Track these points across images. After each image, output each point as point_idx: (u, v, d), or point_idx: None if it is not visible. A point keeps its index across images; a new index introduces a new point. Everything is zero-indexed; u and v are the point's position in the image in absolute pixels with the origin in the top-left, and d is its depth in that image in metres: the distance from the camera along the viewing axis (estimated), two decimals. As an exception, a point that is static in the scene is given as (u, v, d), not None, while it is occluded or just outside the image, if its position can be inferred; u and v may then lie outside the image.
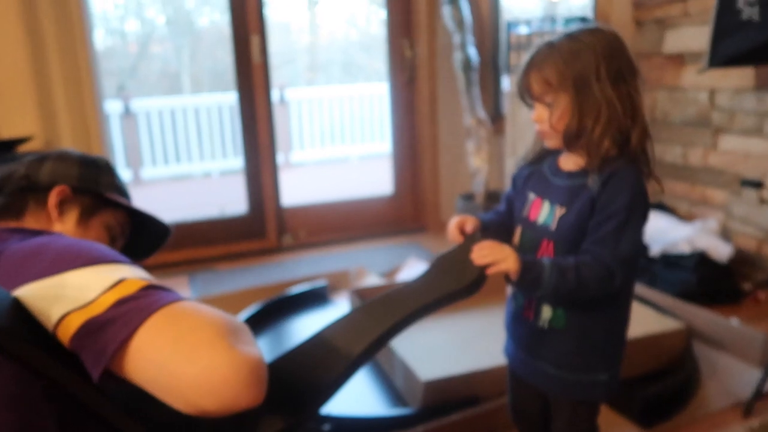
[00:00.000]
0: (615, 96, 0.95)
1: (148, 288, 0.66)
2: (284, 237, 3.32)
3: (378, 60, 6.73)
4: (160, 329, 0.62)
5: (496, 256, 0.95)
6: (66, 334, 0.63)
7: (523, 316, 1.10)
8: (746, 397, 1.67)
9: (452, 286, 0.98)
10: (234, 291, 2.45)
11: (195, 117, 5.42)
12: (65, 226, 0.91)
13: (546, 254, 1.04)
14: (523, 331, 1.12)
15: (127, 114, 5.19)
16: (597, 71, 0.95)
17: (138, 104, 5.28)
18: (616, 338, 1.09)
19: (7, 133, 2.51)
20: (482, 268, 0.96)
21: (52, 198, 0.90)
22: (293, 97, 5.89)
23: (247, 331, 0.70)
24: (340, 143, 6.17)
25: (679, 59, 2.73)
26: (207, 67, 6.16)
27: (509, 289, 1.16)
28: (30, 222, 0.90)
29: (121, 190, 1.00)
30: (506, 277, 0.99)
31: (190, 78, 6.09)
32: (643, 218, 0.99)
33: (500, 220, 1.16)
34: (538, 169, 1.12)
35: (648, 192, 1.00)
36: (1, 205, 0.91)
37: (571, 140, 0.99)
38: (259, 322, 2.17)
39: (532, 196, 1.09)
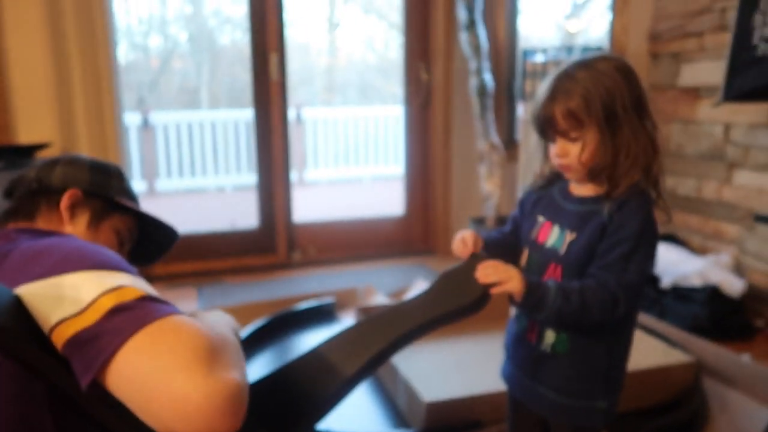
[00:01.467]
0: (641, 128, 0.96)
1: (145, 299, 0.66)
2: (294, 253, 3.33)
3: (394, 83, 6.80)
4: (142, 347, 0.61)
5: (501, 276, 0.95)
6: (59, 341, 0.63)
7: (526, 338, 1.09)
8: (755, 435, 1.63)
9: (455, 304, 0.98)
10: (241, 304, 2.45)
11: (212, 132, 5.49)
12: (76, 229, 0.93)
13: (553, 278, 1.04)
14: (524, 354, 1.11)
15: (146, 126, 5.27)
16: (622, 100, 0.94)
17: (156, 117, 5.36)
18: (617, 366, 1.07)
19: (26, 139, 2.55)
20: (486, 287, 0.96)
21: (64, 201, 0.92)
22: (310, 116, 5.96)
23: (232, 351, 0.68)
24: (354, 164, 6.21)
25: (695, 93, 2.74)
26: (225, 84, 6.26)
27: (512, 311, 1.15)
28: (41, 224, 0.91)
29: (130, 195, 1.02)
30: (510, 298, 0.98)
31: (209, 94, 6.18)
32: (651, 247, 0.99)
33: (502, 240, 1.16)
34: (547, 194, 1.12)
35: (657, 222, 1.00)
36: (13, 207, 0.93)
37: (598, 174, 0.99)
38: (265, 337, 2.17)
39: (541, 219, 1.09)
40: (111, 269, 0.70)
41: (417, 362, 1.73)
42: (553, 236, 1.06)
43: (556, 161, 1.02)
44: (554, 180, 1.12)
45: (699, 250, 2.74)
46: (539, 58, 2.98)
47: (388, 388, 1.82)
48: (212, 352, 0.62)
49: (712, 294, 2.30)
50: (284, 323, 2.27)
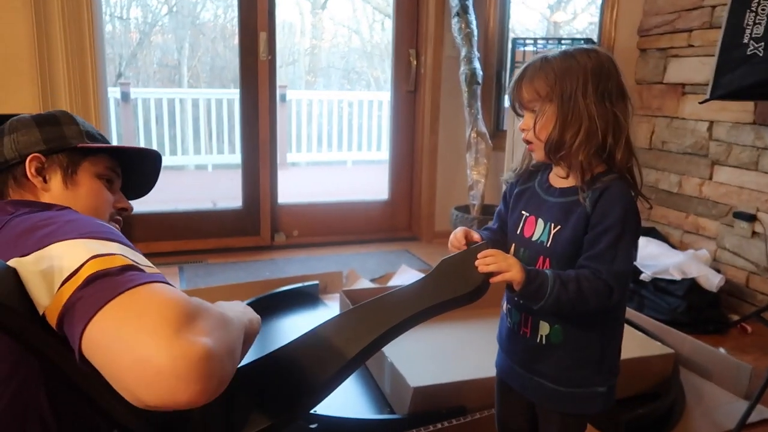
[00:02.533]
0: (598, 113, 0.98)
1: (130, 268, 0.63)
2: (277, 235, 3.31)
3: (377, 69, 6.75)
4: (114, 313, 0.58)
5: (501, 265, 0.96)
6: (52, 318, 0.62)
7: (520, 332, 1.10)
8: (729, 426, 1.68)
9: (455, 292, 0.97)
10: (224, 285, 2.43)
11: (192, 110, 5.40)
12: (53, 193, 0.88)
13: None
14: (518, 348, 1.12)
15: (125, 101, 5.15)
16: (584, 88, 0.98)
17: (135, 92, 5.25)
18: (612, 352, 1.09)
19: (6, 110, 2.48)
20: (486, 276, 0.97)
21: (29, 170, 0.87)
22: (292, 97, 5.89)
23: (207, 318, 0.62)
24: (336, 148, 6.17)
25: (680, 89, 2.77)
26: (206, 62, 6.14)
27: (504, 306, 1.16)
28: (15, 197, 0.88)
29: (90, 134, 0.96)
30: (509, 287, 0.99)
31: (189, 72, 6.06)
32: (635, 232, 1.01)
33: (494, 237, 1.16)
34: (529, 187, 1.13)
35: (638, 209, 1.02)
36: None
37: (552, 151, 1.01)
38: (248, 318, 2.16)
39: (525, 213, 1.10)
40: (101, 238, 0.68)
41: (403, 348, 1.74)
42: (539, 230, 1.07)
43: (522, 137, 1.07)
44: (534, 173, 1.13)
45: (678, 246, 2.79)
46: (529, 48, 2.98)
47: (373, 373, 1.83)
48: (183, 317, 0.58)
49: (691, 287, 2.35)
50: (268, 304, 2.26)
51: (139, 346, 0.55)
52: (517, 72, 1.05)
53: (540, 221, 1.06)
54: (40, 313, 0.62)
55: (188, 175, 5.62)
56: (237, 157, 3.27)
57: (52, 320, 0.61)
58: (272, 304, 2.29)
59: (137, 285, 0.60)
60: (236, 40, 3.09)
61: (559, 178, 1.07)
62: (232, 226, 3.24)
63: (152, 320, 0.56)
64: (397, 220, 3.61)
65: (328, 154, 6.19)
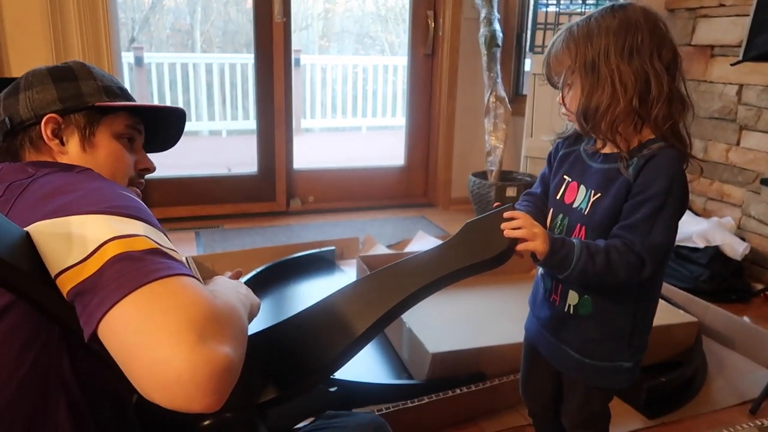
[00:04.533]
0: (622, 73, 0.92)
1: (154, 252, 0.60)
2: (292, 201, 3.29)
3: (392, 33, 6.61)
4: (137, 304, 0.55)
5: (526, 233, 0.92)
6: (63, 288, 0.59)
7: (550, 299, 1.07)
8: (752, 395, 1.66)
9: (478, 257, 0.94)
10: (241, 250, 2.43)
11: (206, 74, 5.35)
12: (71, 156, 0.84)
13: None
14: (548, 314, 1.09)
15: (139, 66, 5.11)
16: (606, 51, 0.93)
17: (149, 56, 5.20)
18: (642, 327, 1.05)
19: (20, 74, 2.46)
20: (512, 242, 0.93)
21: (45, 132, 0.83)
22: (306, 62, 5.80)
23: (235, 324, 0.61)
24: (350, 113, 6.10)
25: (709, 51, 2.67)
26: (218, 26, 6.05)
27: (539, 269, 1.13)
28: (32, 159, 0.84)
29: (109, 90, 0.89)
30: (533, 256, 0.95)
31: (202, 36, 5.98)
32: (680, 206, 0.94)
33: (537, 204, 1.12)
34: (574, 151, 1.07)
35: (687, 178, 0.96)
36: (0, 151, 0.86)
37: (583, 122, 0.97)
38: (266, 282, 2.16)
39: (567, 179, 1.06)
40: (125, 215, 0.65)
41: (421, 314, 1.73)
42: (579, 197, 1.02)
43: (561, 110, 1.03)
44: (581, 137, 1.08)
45: (702, 213, 2.73)
46: (551, 8, 2.88)
47: (392, 339, 1.82)
48: (209, 321, 0.56)
49: (714, 255, 2.30)
50: (285, 269, 2.26)
51: (161, 347, 0.53)
52: (548, 46, 1.03)
53: (582, 188, 1.02)
54: (53, 281, 0.60)
55: (202, 141, 5.59)
56: (251, 123, 3.24)
57: (64, 290, 0.59)
58: (289, 269, 2.28)
59: (166, 276, 0.58)
60: (249, 3, 3.02)
61: (602, 144, 1.02)
62: (247, 192, 3.22)
63: (177, 320, 0.54)
64: (414, 187, 3.58)
65: (342, 120, 6.12)
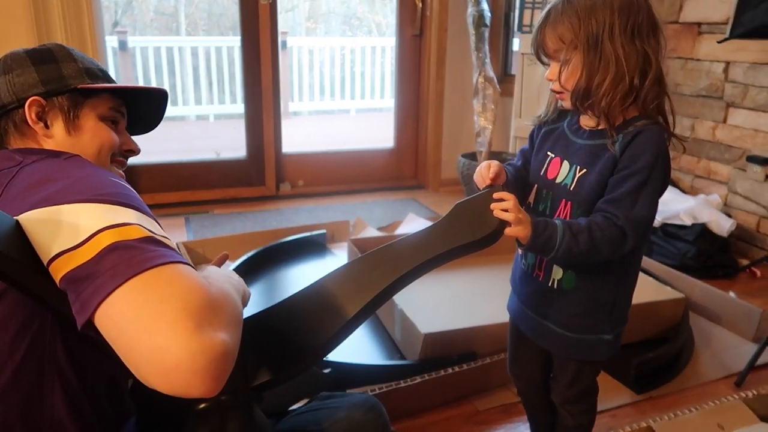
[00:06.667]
0: (626, 53, 0.92)
1: (148, 240, 0.60)
2: (282, 185, 3.28)
3: (378, 14, 6.55)
4: (134, 292, 0.56)
5: (513, 218, 0.92)
6: (56, 274, 0.59)
7: (533, 274, 1.09)
8: (737, 369, 1.69)
9: (467, 237, 0.95)
10: (232, 234, 2.42)
11: (192, 58, 5.28)
12: (57, 140, 0.83)
13: (563, 214, 1.02)
14: (531, 290, 1.10)
15: (122, 49, 5.04)
16: (611, 29, 0.92)
17: (134, 40, 5.13)
18: (623, 300, 1.07)
19: (1, 58, 2.42)
20: (501, 222, 0.94)
21: (29, 116, 0.82)
22: (292, 44, 5.75)
23: (230, 311, 0.62)
24: (338, 96, 6.07)
25: (696, 28, 2.67)
26: (203, 8, 5.97)
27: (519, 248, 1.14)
28: (17, 144, 0.83)
29: (91, 72, 0.88)
30: (517, 240, 0.96)
31: (187, 19, 5.90)
32: (663, 181, 0.96)
33: (517, 175, 1.13)
34: (557, 128, 1.08)
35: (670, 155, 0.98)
36: None
37: (580, 100, 0.96)
38: (257, 267, 2.16)
39: (551, 155, 1.06)
40: (117, 204, 0.65)
41: (412, 295, 1.74)
42: (563, 172, 1.03)
43: (550, 86, 1.02)
44: (564, 113, 1.08)
45: (689, 191, 2.76)
46: (539, -12, 2.87)
47: (384, 320, 1.84)
48: (206, 308, 0.57)
49: (701, 232, 2.33)
50: (276, 253, 2.26)
51: (159, 335, 0.54)
52: (540, 16, 0.99)
53: (565, 163, 1.03)
54: (45, 269, 0.60)
55: (190, 126, 5.55)
56: (238, 107, 3.22)
57: (57, 276, 0.59)
58: (280, 253, 2.29)
59: (161, 264, 0.58)
60: (234, -16, 2.98)
61: (589, 119, 1.02)
62: (236, 177, 3.21)
63: (174, 308, 0.55)
64: (403, 169, 3.58)
65: (330, 103, 6.08)
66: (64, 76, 0.85)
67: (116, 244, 0.58)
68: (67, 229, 0.60)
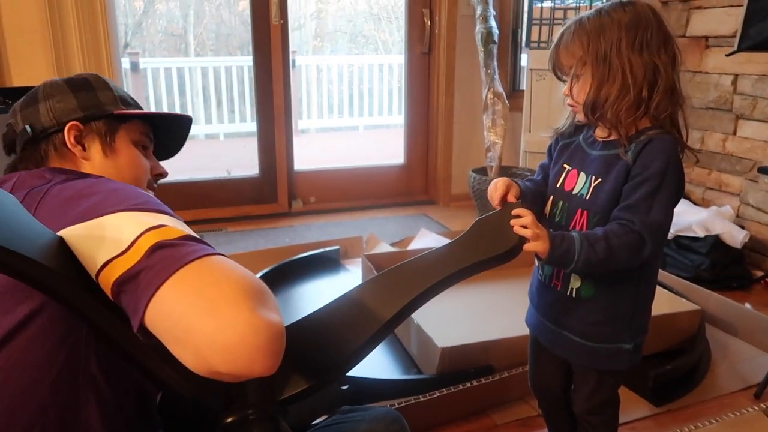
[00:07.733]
0: (634, 66, 0.96)
1: (187, 238, 0.63)
2: (294, 202, 3.31)
3: (385, 32, 6.62)
4: (187, 282, 0.58)
5: (531, 234, 0.94)
6: (106, 284, 0.61)
7: (551, 284, 1.10)
8: (756, 380, 1.68)
9: (488, 253, 0.96)
10: (246, 252, 2.44)
11: (202, 78, 5.35)
12: (94, 162, 0.88)
13: (580, 224, 1.04)
14: (548, 301, 1.12)
15: (134, 71, 5.11)
16: (618, 44, 0.97)
17: (145, 61, 5.21)
18: (642, 308, 1.09)
19: (20, 82, 2.47)
20: (521, 237, 0.95)
21: (68, 139, 0.87)
22: (300, 63, 5.82)
23: (272, 297, 0.64)
24: (347, 113, 6.12)
25: (704, 42, 2.69)
26: (211, 29, 6.06)
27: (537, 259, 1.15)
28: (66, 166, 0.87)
29: (124, 99, 0.94)
30: (536, 255, 0.98)
31: (195, 40, 5.98)
32: (677, 187, 0.98)
33: (536, 189, 1.15)
34: (573, 141, 1.11)
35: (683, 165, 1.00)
36: (20, 157, 0.89)
37: (590, 112, 1.00)
38: (272, 284, 2.17)
39: (567, 167, 1.08)
40: (150, 210, 0.68)
41: (429, 309, 1.75)
42: (579, 183, 1.05)
43: (567, 103, 1.06)
44: (581, 127, 1.11)
45: (700, 203, 2.76)
46: (546, 4, 2.90)
47: (399, 335, 1.84)
48: (257, 292, 0.59)
49: (714, 244, 2.33)
50: (290, 270, 2.27)
51: (223, 315, 0.55)
52: (555, 38, 1.05)
53: (582, 175, 1.05)
54: (95, 279, 0.62)
55: (200, 145, 5.60)
56: (248, 126, 3.26)
57: (108, 284, 0.61)
58: (294, 269, 2.30)
59: (205, 255, 0.60)
60: (241, 6, 3.04)
61: (602, 131, 1.06)
62: (249, 194, 3.24)
63: (233, 290, 0.57)
64: (414, 184, 3.60)
65: (338, 120, 6.14)
66: (101, 103, 0.91)
67: (159, 243, 0.61)
68: (110, 238, 0.63)
